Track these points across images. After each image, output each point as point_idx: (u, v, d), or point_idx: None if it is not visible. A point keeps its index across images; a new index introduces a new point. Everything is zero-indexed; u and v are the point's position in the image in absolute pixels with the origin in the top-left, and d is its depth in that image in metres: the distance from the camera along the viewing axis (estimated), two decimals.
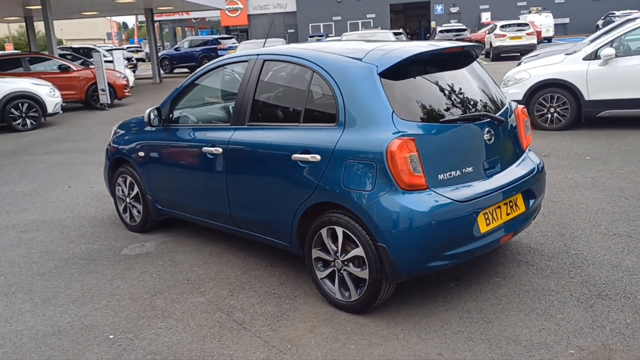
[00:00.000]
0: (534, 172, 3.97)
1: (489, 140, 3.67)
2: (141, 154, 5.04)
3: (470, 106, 3.71)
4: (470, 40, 25.52)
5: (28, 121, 13.33)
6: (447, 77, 3.75)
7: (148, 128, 4.99)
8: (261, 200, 4.04)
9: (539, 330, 3.29)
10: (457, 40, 25.72)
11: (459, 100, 3.69)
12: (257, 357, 3.20)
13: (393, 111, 3.39)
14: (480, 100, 3.81)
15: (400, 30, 23.67)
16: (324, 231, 3.64)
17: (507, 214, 3.72)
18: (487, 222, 3.57)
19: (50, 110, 13.68)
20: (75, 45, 28.45)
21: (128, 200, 5.41)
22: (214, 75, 4.76)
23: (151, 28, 24.38)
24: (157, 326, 3.62)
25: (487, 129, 3.66)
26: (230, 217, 4.34)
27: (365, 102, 3.47)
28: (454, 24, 34.07)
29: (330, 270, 3.70)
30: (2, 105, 12.99)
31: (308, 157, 3.63)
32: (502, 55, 25.74)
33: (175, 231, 5.36)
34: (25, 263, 4.83)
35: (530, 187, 3.91)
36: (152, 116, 4.73)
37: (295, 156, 3.70)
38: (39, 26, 24.04)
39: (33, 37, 25.97)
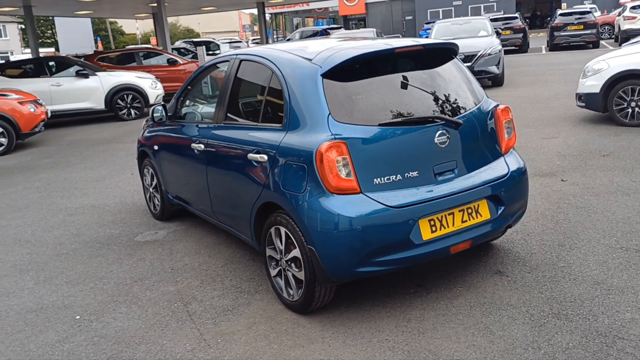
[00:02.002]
0: (504, 178, 3.71)
1: (442, 144, 3.48)
2: (155, 147, 5.40)
3: (420, 108, 3.54)
4: (593, 25, 23.56)
5: (132, 111, 14.51)
6: (399, 78, 3.61)
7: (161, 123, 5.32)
8: (229, 197, 4.21)
9: (467, 347, 3.11)
10: (578, 23, 23.80)
11: (407, 102, 3.54)
12: (185, 348, 3.36)
13: (329, 113, 3.35)
14: (437, 102, 3.62)
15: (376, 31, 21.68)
16: (272, 230, 3.70)
17: (463, 222, 3.53)
18: (433, 229, 3.41)
19: (152, 100, 14.77)
20: (202, 38, 30.23)
21: (150, 189, 5.81)
22: (211, 74, 4.95)
23: (262, 21, 25.29)
24: (119, 311, 3.90)
25: (439, 132, 3.48)
26: (211, 211, 4.55)
27: (306, 103, 3.46)
28: (580, 7, 31.50)
29: (278, 269, 3.75)
30: (109, 96, 14.25)
31: (258, 157, 3.71)
32: (630, 39, 23.41)
33: (190, 221, 5.66)
34: (53, 244, 5.38)
35: (497, 194, 3.66)
36: (154, 112, 5.03)
37: (250, 155, 3.79)
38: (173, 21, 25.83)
39: (161, 32, 28.06)
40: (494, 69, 13.74)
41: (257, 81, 4.11)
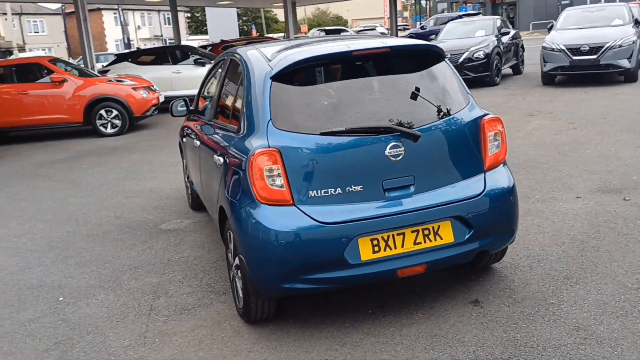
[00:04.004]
0: (474, 198, 3.27)
1: (395, 157, 3.14)
2: (183, 139, 5.56)
3: (375, 117, 3.21)
4: None
5: None
6: (356, 84, 3.32)
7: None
8: (207, 195, 4.22)
9: None
10: None
11: (361, 110, 3.24)
12: (122, 344, 3.42)
13: (270, 119, 3.19)
14: (398, 111, 3.26)
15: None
16: (228, 234, 3.63)
17: (416, 243, 3.17)
18: (376, 249, 3.11)
19: None
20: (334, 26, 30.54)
21: (185, 179, 6.00)
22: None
23: (393, 6, 24.88)
24: (96, 297, 4.08)
25: (392, 144, 3.14)
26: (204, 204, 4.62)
27: (253, 107, 3.32)
28: None
29: (232, 273, 3.68)
30: None
31: (218, 159, 3.66)
32: None
33: None
34: (93, 224, 5.78)
35: (463, 215, 3.24)
36: (172, 107, 5.14)
37: (214, 157, 3.75)
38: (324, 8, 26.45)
39: (294, 21, 28.84)
40: (624, 62, 12.19)
41: (235, 81, 4.03)
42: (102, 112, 11.62)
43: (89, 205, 6.50)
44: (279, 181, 3.07)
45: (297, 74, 3.29)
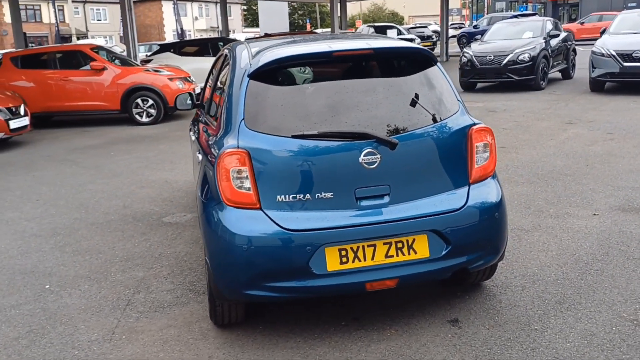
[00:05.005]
0: (453, 212, 3.06)
1: (370, 164, 2.98)
2: (190, 133, 5.52)
3: (351, 122, 3.05)
4: None
5: None
6: (335, 86, 3.17)
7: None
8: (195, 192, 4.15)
9: None
10: None
11: (338, 113, 3.07)
12: (90, 337, 3.39)
13: (243, 119, 3.08)
14: (377, 116, 3.08)
15: None
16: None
17: (388, 256, 3.00)
18: (343, 260, 2.96)
19: None
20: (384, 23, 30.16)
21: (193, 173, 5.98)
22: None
23: (445, 4, 24.33)
24: (80, 288, 4.08)
25: (366, 150, 2.98)
26: None
27: (230, 105, 3.22)
28: None
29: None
30: None
31: (198, 156, 3.59)
32: None
33: None
34: (99, 213, 5.84)
35: (440, 229, 3.04)
36: (177, 100, 5.09)
37: (196, 154, 3.68)
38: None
39: (344, 16, 28.66)
40: None
41: (224, 77, 3.93)
42: (139, 100, 11.81)
43: (102, 193, 6.58)
44: (247, 183, 2.96)
45: (274, 74, 3.17)
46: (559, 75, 15.05)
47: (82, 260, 4.60)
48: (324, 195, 2.98)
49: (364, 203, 3.01)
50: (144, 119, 11.86)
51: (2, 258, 4.73)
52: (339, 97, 3.14)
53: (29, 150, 9.73)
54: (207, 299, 3.57)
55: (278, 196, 2.97)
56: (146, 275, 4.22)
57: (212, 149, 3.31)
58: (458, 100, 3.32)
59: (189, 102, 5.07)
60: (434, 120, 3.16)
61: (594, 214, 4.89)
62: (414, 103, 3.18)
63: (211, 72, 5.00)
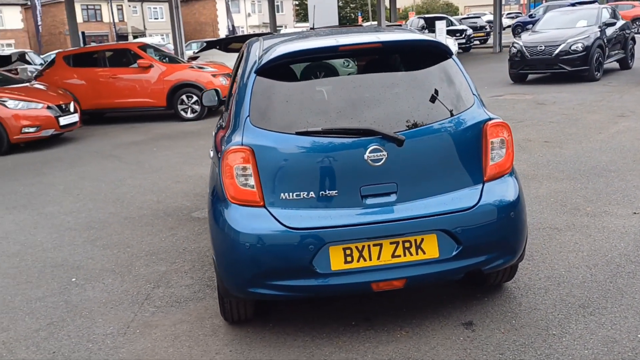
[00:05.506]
0: (465, 211, 2.94)
1: (376, 161, 2.89)
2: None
3: (358, 118, 2.96)
4: None
5: None
6: (343, 81, 3.09)
7: None
8: None
9: None
10: None
11: (344, 109, 2.99)
12: (106, 331, 3.46)
13: (249, 115, 3.06)
14: (385, 111, 2.99)
15: None
16: None
17: (395, 256, 2.92)
18: (348, 259, 2.90)
19: None
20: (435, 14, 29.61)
21: None
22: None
23: None
24: (104, 281, 4.17)
25: (372, 147, 2.89)
26: None
27: (237, 102, 3.20)
28: None
29: None
30: None
31: (210, 152, 3.59)
32: None
33: None
34: (133, 208, 5.96)
35: (450, 229, 2.93)
36: (203, 96, 5.12)
37: (210, 150, 3.68)
38: None
39: (380, 6, 28.20)
40: None
41: (239, 73, 3.92)
42: (184, 97, 12.02)
43: (139, 188, 6.73)
44: (251, 181, 2.94)
45: (280, 70, 3.13)
46: (616, 65, 14.37)
47: (110, 254, 4.70)
48: (329, 193, 2.92)
49: (370, 201, 2.93)
50: (189, 115, 12.07)
51: (37, 251, 4.90)
52: (346, 92, 3.06)
53: (77, 146, 10.08)
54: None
55: (282, 194, 2.93)
56: (168, 270, 4.28)
57: (220, 146, 3.30)
58: (474, 94, 3.18)
59: (215, 98, 5.09)
60: (446, 115, 3.04)
61: (634, 213, 4.62)
62: (425, 98, 3.08)
63: (235, 68, 5.01)
